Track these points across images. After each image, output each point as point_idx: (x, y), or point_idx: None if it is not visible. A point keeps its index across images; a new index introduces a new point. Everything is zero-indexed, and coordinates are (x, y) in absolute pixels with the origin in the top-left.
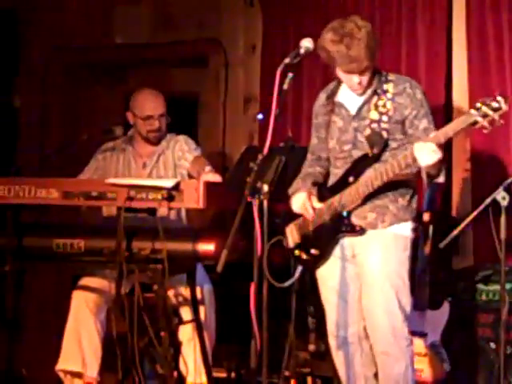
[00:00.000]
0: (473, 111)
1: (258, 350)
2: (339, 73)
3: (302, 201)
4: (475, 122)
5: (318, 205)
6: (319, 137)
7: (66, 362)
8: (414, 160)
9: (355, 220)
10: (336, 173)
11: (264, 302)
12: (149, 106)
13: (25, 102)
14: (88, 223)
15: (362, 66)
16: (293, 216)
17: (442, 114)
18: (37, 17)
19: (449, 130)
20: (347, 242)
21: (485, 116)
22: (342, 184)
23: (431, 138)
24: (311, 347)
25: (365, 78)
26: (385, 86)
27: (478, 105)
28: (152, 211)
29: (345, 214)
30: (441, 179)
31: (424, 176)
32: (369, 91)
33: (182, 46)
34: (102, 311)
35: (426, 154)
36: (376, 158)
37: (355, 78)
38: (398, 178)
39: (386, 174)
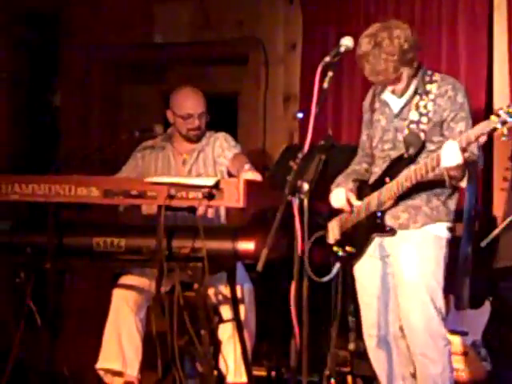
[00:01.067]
0: (493, 117)
1: (298, 348)
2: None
3: (340, 196)
4: (495, 129)
5: (355, 202)
6: (368, 134)
7: (107, 360)
8: (438, 162)
9: (388, 220)
10: (376, 172)
11: (304, 300)
12: (189, 104)
13: (65, 101)
14: (126, 222)
15: (389, 79)
16: (335, 214)
17: (483, 117)
18: (77, 16)
19: (470, 134)
20: (383, 241)
21: (504, 123)
22: (379, 183)
23: (455, 140)
24: (351, 346)
25: (400, 85)
26: (428, 87)
27: (500, 111)
28: (192, 210)
29: (379, 213)
30: (463, 184)
31: (446, 178)
32: (409, 91)
33: (221, 45)
34: (142, 310)
35: (449, 155)
36: (412, 159)
37: (388, 86)
38: (428, 179)
39: (415, 176)
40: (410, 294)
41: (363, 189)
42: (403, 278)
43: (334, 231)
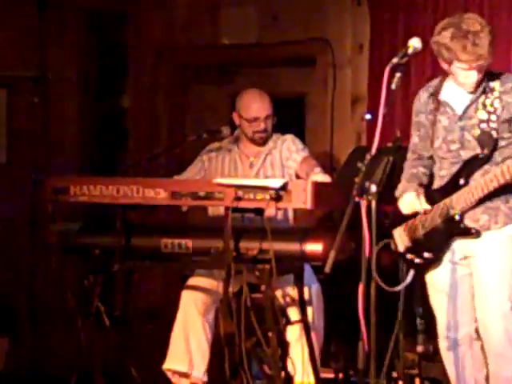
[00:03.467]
0: None
1: (365, 350)
2: (457, 70)
3: (411, 201)
4: None
5: (426, 205)
6: (420, 135)
7: (173, 361)
8: None
9: (468, 223)
10: (442, 174)
11: (372, 302)
12: (255, 107)
13: (133, 103)
14: (193, 223)
15: (486, 64)
16: (401, 218)
17: None
18: (145, 18)
19: None
20: (456, 244)
21: None
22: (453, 186)
23: None
24: (419, 348)
25: (480, 76)
26: (491, 84)
27: None
28: (259, 211)
29: (457, 217)
30: None
31: None
32: (479, 89)
33: (289, 46)
34: (210, 311)
35: None
36: (486, 159)
37: (475, 76)
38: None
39: (503, 176)
40: (488, 294)
41: (430, 193)
42: (483, 279)
43: (402, 238)
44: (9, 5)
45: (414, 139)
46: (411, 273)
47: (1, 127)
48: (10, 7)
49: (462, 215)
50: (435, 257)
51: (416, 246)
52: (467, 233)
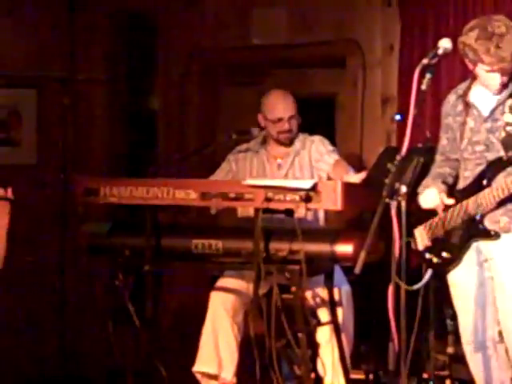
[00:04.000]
0: None
1: (396, 352)
2: (480, 71)
3: (431, 196)
4: None
5: (448, 201)
6: (449, 138)
7: (203, 363)
8: None
9: (488, 224)
10: (466, 175)
11: (402, 303)
12: (279, 108)
13: (163, 104)
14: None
15: (509, 67)
16: (422, 217)
17: None
18: (175, 19)
19: None
20: (480, 246)
21: None
22: (476, 187)
23: None
24: (450, 350)
25: (505, 78)
26: None
27: None
28: (289, 212)
29: (478, 218)
30: None
31: None
32: (505, 92)
33: (319, 47)
34: (239, 313)
35: None
36: (510, 162)
37: (498, 78)
38: None
39: None
40: (509, 297)
41: (453, 193)
42: (503, 282)
43: (422, 237)
44: (39, 6)
45: (443, 141)
46: (429, 272)
47: (30, 128)
48: (40, 9)
49: (482, 216)
50: (454, 257)
51: (435, 246)
52: (486, 234)
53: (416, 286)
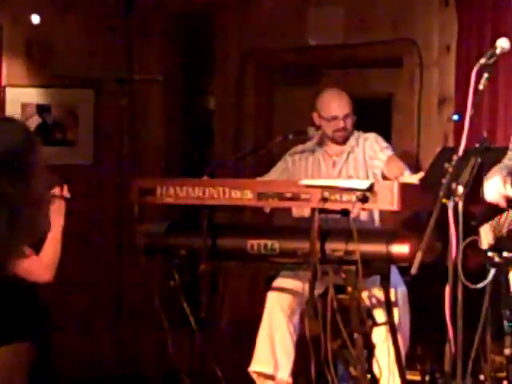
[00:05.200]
0: None
1: (452, 353)
2: None
3: (495, 187)
4: None
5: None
6: None
7: (259, 363)
8: None
9: None
10: None
11: (459, 304)
12: (334, 106)
13: (219, 104)
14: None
15: None
16: (489, 217)
17: None
18: (231, 19)
19: None
20: None
21: None
22: None
23: None
24: (507, 351)
25: None
26: None
27: None
28: (345, 212)
29: None
30: None
31: None
32: None
33: (375, 47)
34: (295, 313)
35: None
36: None
37: None
38: None
39: None
40: None
41: None
42: None
43: (487, 236)
44: (96, 7)
45: None
46: (492, 272)
47: (88, 128)
48: (97, 10)
49: None
50: None
51: (498, 245)
52: None
53: (480, 285)
